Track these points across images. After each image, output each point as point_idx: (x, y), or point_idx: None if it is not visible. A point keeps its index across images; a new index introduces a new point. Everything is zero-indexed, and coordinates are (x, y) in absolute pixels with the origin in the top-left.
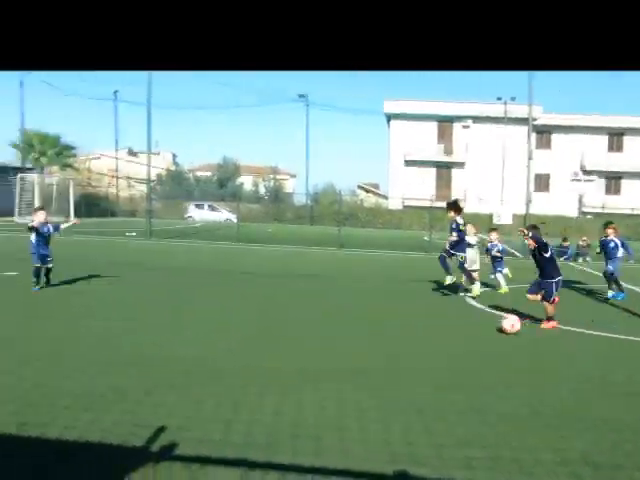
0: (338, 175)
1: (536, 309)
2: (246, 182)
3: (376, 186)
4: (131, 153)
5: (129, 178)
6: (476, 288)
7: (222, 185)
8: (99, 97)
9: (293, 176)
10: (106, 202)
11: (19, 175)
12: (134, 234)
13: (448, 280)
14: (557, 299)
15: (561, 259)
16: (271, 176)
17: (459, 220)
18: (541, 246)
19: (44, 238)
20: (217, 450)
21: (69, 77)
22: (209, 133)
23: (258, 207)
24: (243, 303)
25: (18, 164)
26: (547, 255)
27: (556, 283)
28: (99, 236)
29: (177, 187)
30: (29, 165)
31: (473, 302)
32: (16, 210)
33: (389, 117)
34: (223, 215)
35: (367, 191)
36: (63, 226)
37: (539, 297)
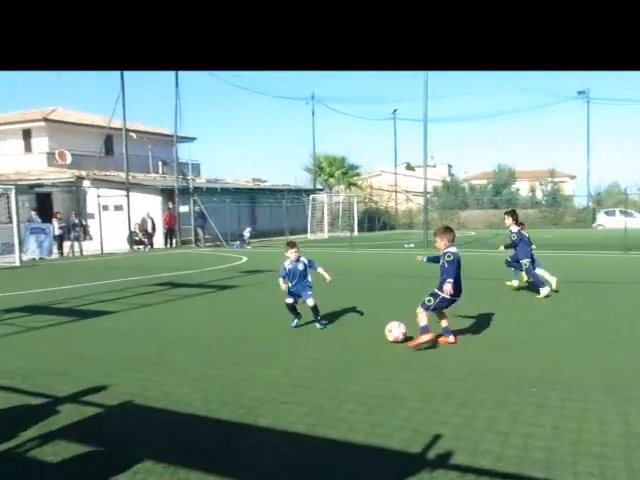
0: (623, 173)
1: None
2: (522, 187)
3: None
4: (409, 168)
5: (407, 192)
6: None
7: (497, 192)
8: (380, 117)
9: (572, 177)
10: (386, 216)
11: (311, 196)
12: (412, 245)
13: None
14: None
15: None
16: (548, 179)
17: (513, 229)
18: None
19: (296, 276)
20: (491, 463)
21: (351, 102)
22: (483, 141)
23: (535, 212)
24: (528, 314)
25: (310, 186)
26: None
27: None
28: (380, 249)
29: (452, 197)
30: (319, 186)
31: None
32: (309, 228)
33: None
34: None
35: None
36: (320, 269)
37: None
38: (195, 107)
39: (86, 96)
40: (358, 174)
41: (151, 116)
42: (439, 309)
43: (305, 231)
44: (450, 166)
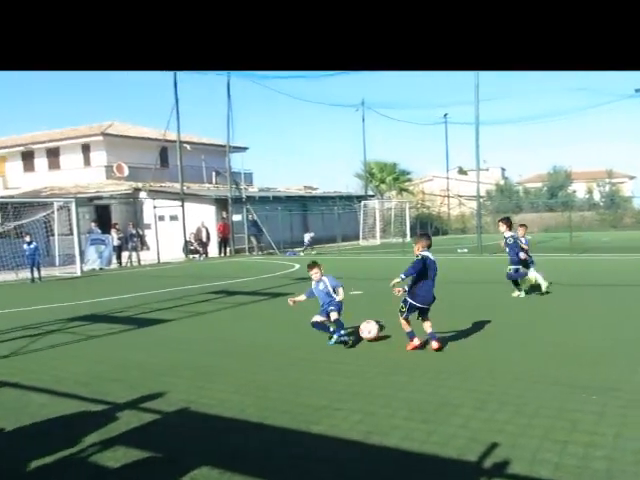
0: None
1: None
2: (579, 189)
3: None
4: (461, 172)
5: (459, 196)
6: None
7: (553, 195)
8: (431, 122)
9: (631, 178)
10: (438, 221)
11: (362, 202)
12: (465, 250)
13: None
14: None
15: None
16: (606, 180)
17: (506, 234)
18: None
19: (320, 295)
20: (550, 473)
21: (401, 107)
22: (537, 143)
23: (592, 214)
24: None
25: (361, 192)
26: None
27: None
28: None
29: (506, 201)
30: (370, 192)
31: None
32: (360, 234)
33: None
34: None
35: None
36: (340, 294)
37: None
38: (247, 116)
39: (141, 110)
40: (410, 180)
41: (204, 127)
42: (412, 313)
43: (357, 238)
44: (503, 169)
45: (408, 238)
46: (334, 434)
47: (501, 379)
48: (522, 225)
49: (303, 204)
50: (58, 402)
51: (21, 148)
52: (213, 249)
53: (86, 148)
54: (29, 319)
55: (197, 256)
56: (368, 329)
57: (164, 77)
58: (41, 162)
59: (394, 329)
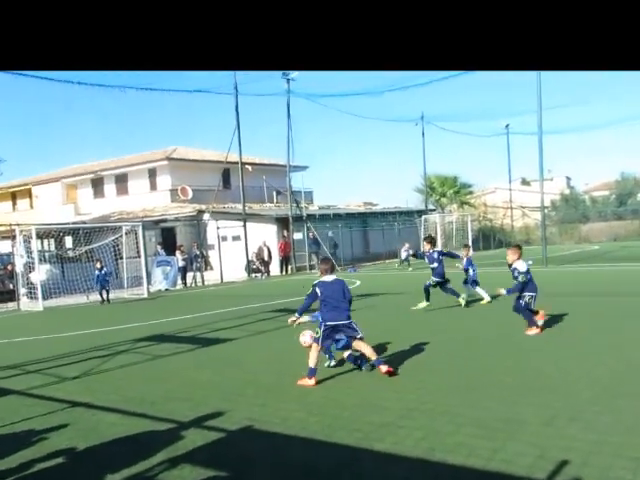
0: None
1: None
2: None
3: None
4: (524, 182)
5: (523, 207)
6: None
7: (621, 202)
8: (492, 133)
9: None
10: (501, 233)
11: (423, 217)
12: (530, 262)
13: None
14: None
15: None
16: None
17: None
18: None
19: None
20: None
21: (461, 119)
22: (604, 150)
23: None
24: None
25: (422, 207)
26: None
27: None
28: (495, 267)
29: (572, 211)
30: (431, 207)
31: None
32: (421, 249)
33: None
34: None
35: None
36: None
37: None
38: (307, 135)
39: (203, 134)
40: (471, 192)
41: (265, 148)
42: (330, 338)
43: None
44: (569, 178)
45: (471, 251)
46: (397, 451)
47: (567, 394)
48: (465, 246)
49: (363, 220)
50: (126, 421)
51: (91, 175)
52: (275, 268)
53: (152, 173)
54: (99, 340)
55: (259, 275)
56: (303, 340)
57: (225, 101)
58: (110, 188)
59: (457, 347)
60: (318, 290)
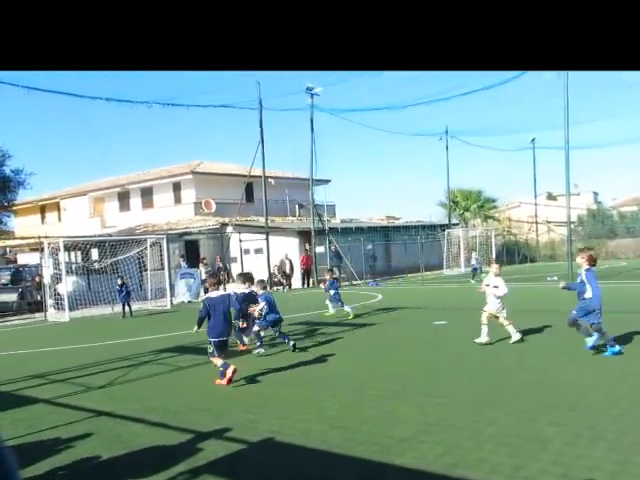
0: None
1: None
2: None
3: None
4: (550, 197)
5: (548, 222)
6: None
7: None
8: (517, 148)
9: None
10: (526, 248)
11: (446, 231)
12: (555, 278)
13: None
14: None
15: None
16: None
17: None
18: None
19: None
20: None
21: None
22: (633, 165)
23: None
24: None
25: (445, 221)
26: None
27: None
28: (520, 282)
29: (599, 226)
30: (455, 221)
31: None
32: (444, 263)
33: None
34: None
35: None
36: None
37: None
38: (330, 149)
39: (227, 147)
40: (495, 207)
41: (288, 161)
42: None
43: (441, 267)
44: (596, 193)
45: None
46: (418, 466)
47: (592, 412)
48: (330, 270)
49: (385, 234)
50: (149, 431)
51: (118, 189)
52: (296, 281)
53: (177, 186)
54: (124, 351)
55: (280, 288)
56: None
57: (250, 115)
58: (136, 201)
59: (476, 362)
60: (207, 301)
